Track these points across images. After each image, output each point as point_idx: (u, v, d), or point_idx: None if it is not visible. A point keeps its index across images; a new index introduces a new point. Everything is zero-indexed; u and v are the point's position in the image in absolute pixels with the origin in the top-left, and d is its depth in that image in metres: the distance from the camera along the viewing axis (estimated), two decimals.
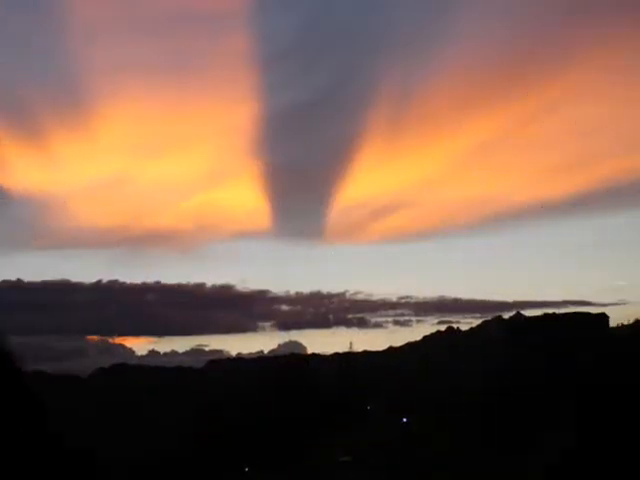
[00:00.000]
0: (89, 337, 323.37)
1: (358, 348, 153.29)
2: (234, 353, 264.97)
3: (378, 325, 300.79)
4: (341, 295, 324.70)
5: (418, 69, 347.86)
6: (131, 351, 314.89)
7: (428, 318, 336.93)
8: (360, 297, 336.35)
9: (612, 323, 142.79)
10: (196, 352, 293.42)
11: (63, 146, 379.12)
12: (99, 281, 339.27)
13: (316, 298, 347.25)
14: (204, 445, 64.74)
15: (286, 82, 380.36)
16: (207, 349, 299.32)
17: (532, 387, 61.74)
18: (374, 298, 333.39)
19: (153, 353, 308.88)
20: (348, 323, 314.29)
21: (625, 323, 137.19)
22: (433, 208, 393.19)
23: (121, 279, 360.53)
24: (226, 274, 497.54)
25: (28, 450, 14.69)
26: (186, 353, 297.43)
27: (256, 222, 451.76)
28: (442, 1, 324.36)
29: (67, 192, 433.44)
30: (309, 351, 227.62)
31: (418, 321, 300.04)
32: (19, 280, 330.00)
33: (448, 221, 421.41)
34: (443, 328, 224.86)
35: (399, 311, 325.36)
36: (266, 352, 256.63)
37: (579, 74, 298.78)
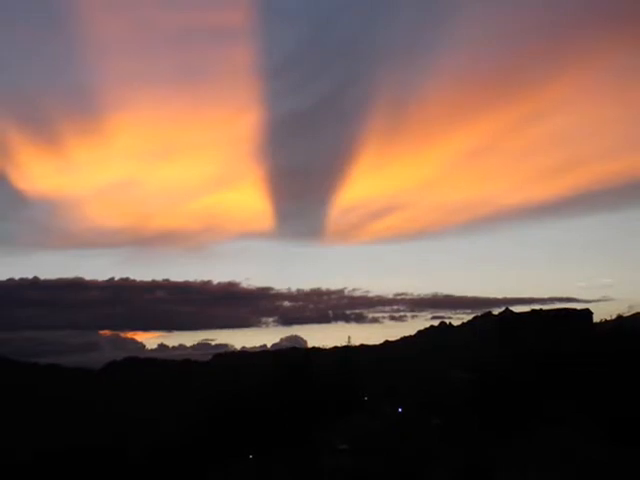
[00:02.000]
0: (102, 332, 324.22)
1: (356, 342, 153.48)
2: (239, 347, 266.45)
3: (375, 320, 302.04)
4: (340, 292, 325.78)
5: (413, 79, 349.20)
6: (142, 345, 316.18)
7: (422, 314, 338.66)
8: (358, 294, 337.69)
9: (596, 319, 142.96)
10: (203, 346, 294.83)
11: (78, 152, 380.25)
12: (111, 279, 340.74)
13: (316, 295, 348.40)
14: (207, 435, 65.11)
15: (288, 91, 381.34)
16: (213, 343, 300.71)
17: (522, 382, 61.96)
18: (371, 295, 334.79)
19: (162, 347, 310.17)
20: (347, 318, 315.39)
21: (608, 319, 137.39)
22: (427, 210, 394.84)
23: (132, 277, 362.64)
24: (231, 272, 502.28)
25: None
26: (193, 347, 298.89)
27: (260, 223, 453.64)
28: (435, 17, 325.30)
29: (81, 195, 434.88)
30: (309, 345, 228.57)
31: (413, 316, 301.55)
32: (36, 278, 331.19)
33: (441, 222, 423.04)
34: (436, 323, 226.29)
35: (395, 307, 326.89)
36: (269, 346, 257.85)
37: (563, 85, 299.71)
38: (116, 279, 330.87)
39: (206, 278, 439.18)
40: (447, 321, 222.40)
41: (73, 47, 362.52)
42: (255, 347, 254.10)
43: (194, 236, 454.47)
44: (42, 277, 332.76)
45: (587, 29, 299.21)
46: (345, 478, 44.81)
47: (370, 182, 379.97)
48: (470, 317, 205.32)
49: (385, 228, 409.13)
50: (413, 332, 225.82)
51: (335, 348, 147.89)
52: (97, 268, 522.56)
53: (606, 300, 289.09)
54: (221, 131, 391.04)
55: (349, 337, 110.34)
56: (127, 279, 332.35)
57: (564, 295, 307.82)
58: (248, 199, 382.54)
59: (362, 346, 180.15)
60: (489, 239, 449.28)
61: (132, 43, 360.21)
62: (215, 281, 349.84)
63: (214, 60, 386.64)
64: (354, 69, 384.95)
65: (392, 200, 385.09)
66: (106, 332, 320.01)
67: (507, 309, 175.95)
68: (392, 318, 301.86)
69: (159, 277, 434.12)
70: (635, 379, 54.39)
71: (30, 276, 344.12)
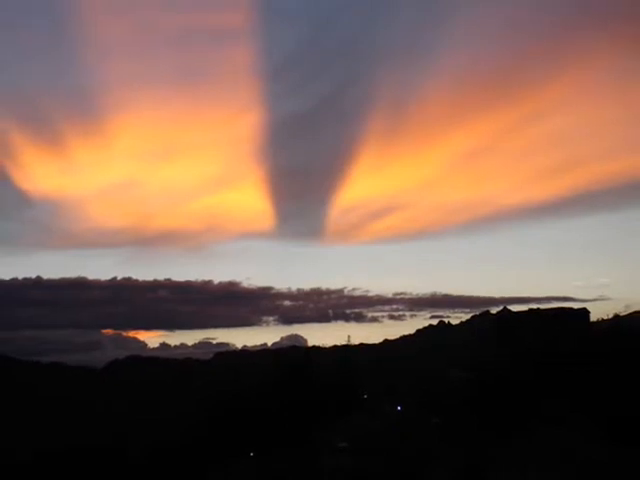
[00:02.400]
0: (104, 331, 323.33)
1: (355, 341, 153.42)
2: (240, 346, 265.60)
3: (374, 319, 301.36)
4: (340, 291, 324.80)
5: (412, 80, 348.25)
6: (144, 344, 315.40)
7: (421, 313, 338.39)
8: (357, 293, 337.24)
9: (593, 318, 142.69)
10: (204, 345, 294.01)
11: (80, 152, 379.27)
12: (114, 278, 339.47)
13: (316, 294, 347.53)
14: (207, 435, 64.64)
15: (288, 92, 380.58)
16: (214, 342, 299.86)
17: (520, 381, 61.52)
18: (370, 294, 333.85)
19: (164, 346, 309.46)
20: (346, 317, 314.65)
21: (605, 318, 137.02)
22: (426, 210, 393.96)
23: (134, 276, 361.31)
24: (232, 272, 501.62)
25: None
26: (195, 346, 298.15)
27: (260, 223, 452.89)
28: (435, 17, 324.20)
29: (84, 195, 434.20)
30: (310, 344, 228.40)
31: (412, 316, 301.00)
32: (39, 277, 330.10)
33: (440, 222, 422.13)
34: (435, 322, 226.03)
35: (394, 306, 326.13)
36: (269, 345, 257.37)
37: (563, 86, 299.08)
38: (118, 279, 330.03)
39: (207, 278, 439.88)
40: (446, 320, 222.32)
41: (75, 48, 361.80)
42: (256, 346, 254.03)
43: (195, 236, 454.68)
44: (45, 277, 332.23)
45: (587, 30, 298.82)
46: (345, 478, 44.31)
47: (370, 182, 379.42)
48: (469, 316, 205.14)
49: (385, 228, 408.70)
50: (412, 331, 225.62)
51: (335, 347, 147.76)
52: (99, 268, 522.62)
53: (603, 299, 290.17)
54: (222, 132, 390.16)
55: (349, 336, 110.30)
56: (129, 279, 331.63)
57: (562, 294, 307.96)
58: (249, 199, 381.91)
59: (362, 345, 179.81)
60: (489, 239, 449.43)
61: (133, 44, 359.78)
62: (216, 281, 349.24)
63: (214, 61, 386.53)
64: (354, 69, 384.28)
65: (392, 200, 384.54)
66: (108, 331, 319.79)
67: (505, 308, 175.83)
68: (391, 317, 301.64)
69: (161, 277, 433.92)
70: (632, 378, 54.01)
71: (33, 276, 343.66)
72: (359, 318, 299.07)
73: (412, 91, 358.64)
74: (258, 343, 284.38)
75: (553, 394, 58.38)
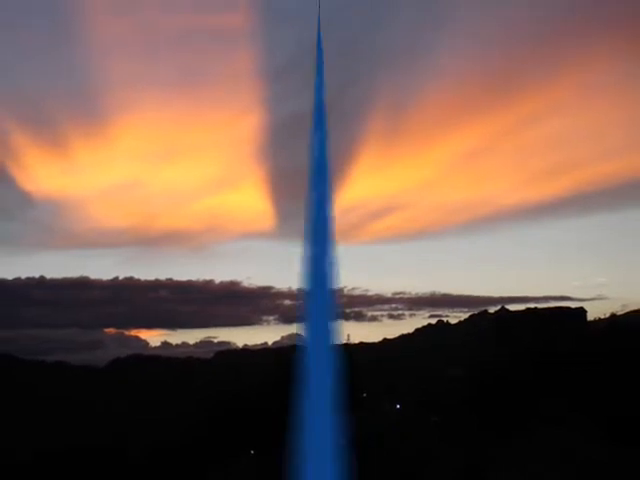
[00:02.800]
0: (106, 330, 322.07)
1: (355, 340, 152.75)
2: (241, 345, 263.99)
3: (374, 319, 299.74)
4: (339, 291, 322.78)
5: (412, 81, 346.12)
6: (145, 343, 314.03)
7: (420, 312, 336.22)
8: (357, 292, 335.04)
9: (590, 317, 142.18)
10: (205, 344, 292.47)
11: (82, 153, 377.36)
12: (116, 278, 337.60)
13: None
14: (208, 434, 64.04)
15: (289, 92, 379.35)
16: (215, 341, 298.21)
17: (519, 381, 60.99)
18: (370, 294, 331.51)
19: (166, 345, 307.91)
20: (346, 317, 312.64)
21: (602, 317, 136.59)
22: (426, 210, 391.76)
23: (136, 276, 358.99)
24: (233, 271, 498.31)
25: None
26: (196, 345, 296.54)
27: (261, 223, 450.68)
28: (434, 21, 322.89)
29: (86, 196, 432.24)
30: None
31: (411, 315, 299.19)
32: (42, 277, 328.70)
33: (440, 222, 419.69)
34: (434, 321, 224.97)
35: (393, 305, 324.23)
36: (270, 344, 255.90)
37: (562, 88, 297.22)
38: (120, 278, 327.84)
39: (208, 277, 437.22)
40: (444, 319, 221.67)
41: (75, 49, 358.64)
42: (256, 344, 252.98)
43: (196, 236, 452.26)
44: (48, 276, 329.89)
45: (586, 33, 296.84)
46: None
47: (370, 182, 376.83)
48: (467, 316, 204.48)
49: (385, 228, 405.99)
50: (411, 330, 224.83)
51: (334, 346, 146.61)
52: (101, 267, 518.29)
53: (601, 299, 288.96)
54: (223, 133, 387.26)
55: (348, 335, 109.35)
56: (131, 278, 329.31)
57: (560, 294, 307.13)
58: (249, 200, 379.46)
59: (361, 344, 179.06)
60: (488, 239, 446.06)
61: (133, 45, 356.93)
62: (217, 280, 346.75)
63: (215, 62, 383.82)
64: (354, 71, 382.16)
65: (392, 200, 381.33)
66: (110, 330, 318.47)
67: (503, 307, 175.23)
68: (391, 316, 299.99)
69: (162, 276, 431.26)
70: (629, 377, 53.56)
71: (36, 275, 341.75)
72: (358, 317, 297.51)
73: (412, 92, 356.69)
74: (259, 342, 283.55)
75: (552, 393, 57.87)
